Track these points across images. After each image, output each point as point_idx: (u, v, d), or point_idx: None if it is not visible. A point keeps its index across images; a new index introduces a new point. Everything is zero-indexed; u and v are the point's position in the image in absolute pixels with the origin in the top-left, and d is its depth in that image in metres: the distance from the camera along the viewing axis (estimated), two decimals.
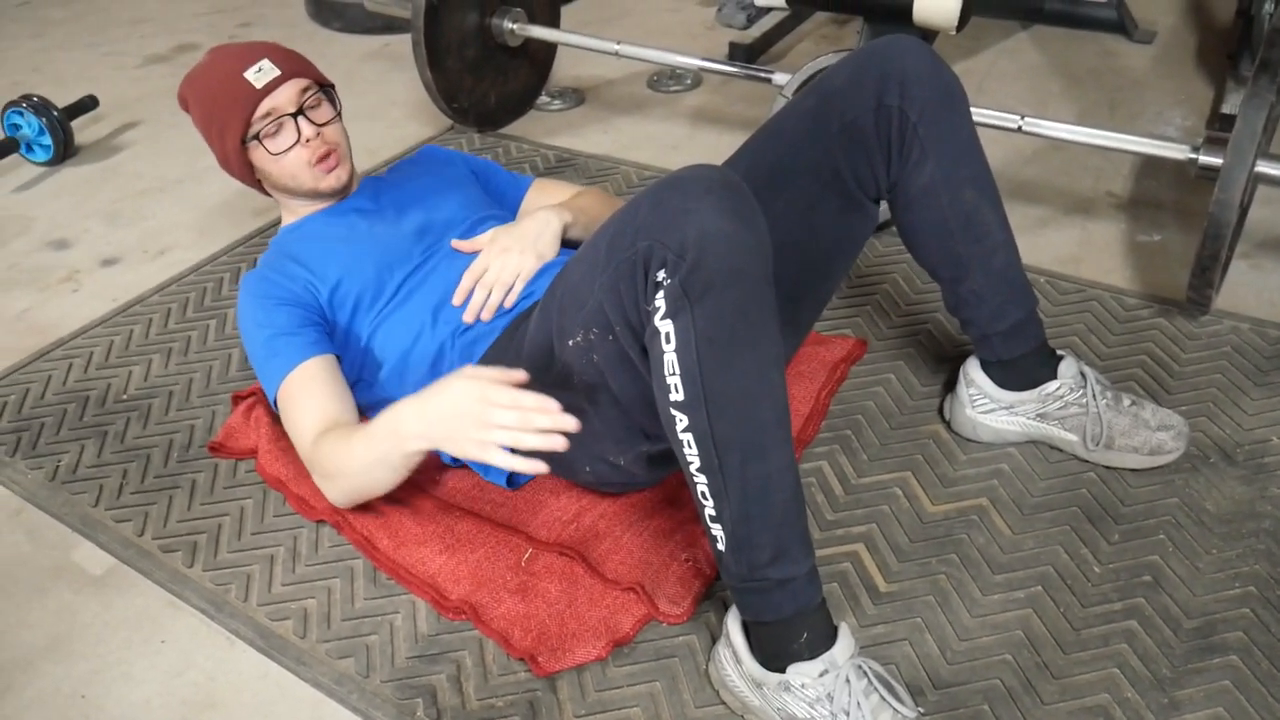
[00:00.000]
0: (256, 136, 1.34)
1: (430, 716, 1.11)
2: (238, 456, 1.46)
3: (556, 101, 2.45)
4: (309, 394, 1.26)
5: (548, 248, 1.35)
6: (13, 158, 2.32)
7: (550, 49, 2.41)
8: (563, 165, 2.15)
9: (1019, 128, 1.70)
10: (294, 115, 1.34)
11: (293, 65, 1.36)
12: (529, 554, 1.26)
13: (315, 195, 1.41)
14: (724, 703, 1.09)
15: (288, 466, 1.38)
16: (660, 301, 0.94)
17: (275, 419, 1.39)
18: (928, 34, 1.70)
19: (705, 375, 0.93)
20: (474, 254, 1.36)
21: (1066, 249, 1.80)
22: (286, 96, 1.34)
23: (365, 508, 1.32)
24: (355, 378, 1.36)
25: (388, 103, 2.52)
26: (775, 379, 0.96)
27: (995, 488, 1.32)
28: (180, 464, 1.46)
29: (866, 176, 1.24)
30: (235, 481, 1.42)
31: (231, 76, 1.33)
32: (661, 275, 0.94)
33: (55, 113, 2.29)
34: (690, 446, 0.97)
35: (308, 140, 1.35)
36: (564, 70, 2.58)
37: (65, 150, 2.33)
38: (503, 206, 1.54)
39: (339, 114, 1.41)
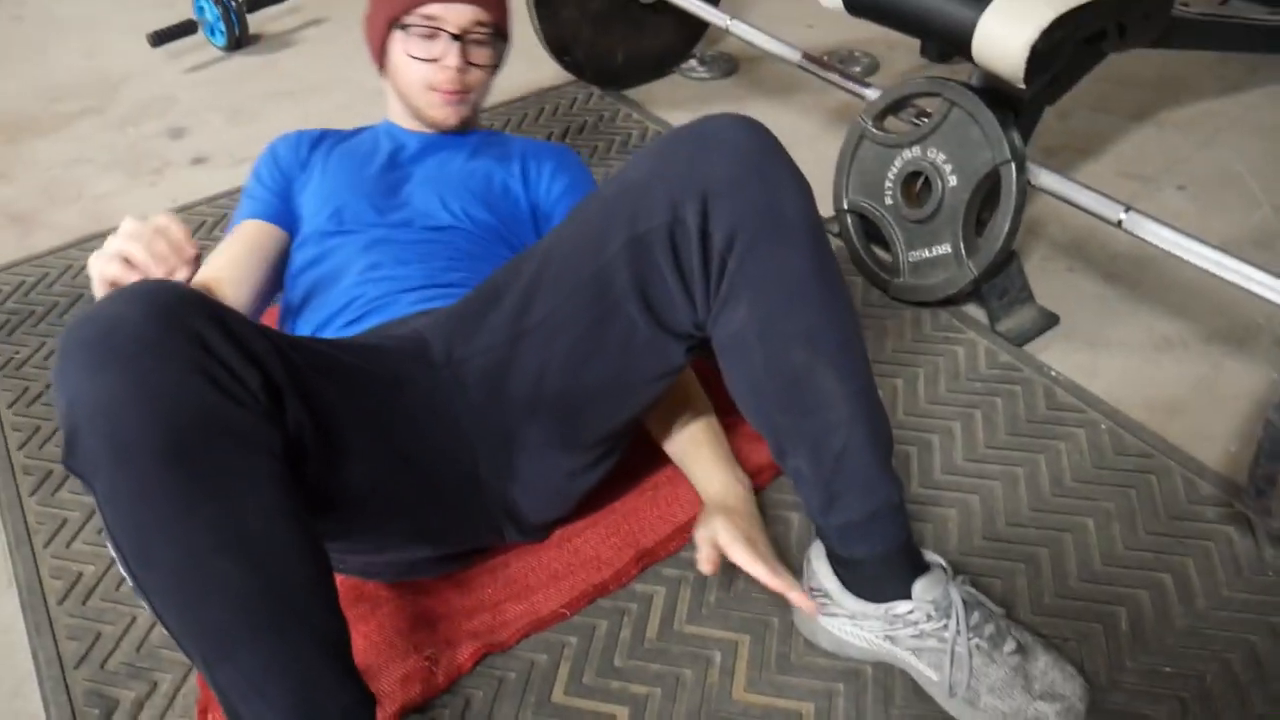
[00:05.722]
0: (405, 27, 1.25)
1: None
2: None
3: (703, 69, 2.20)
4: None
5: None
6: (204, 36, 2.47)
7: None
8: None
9: (1119, 222, 1.26)
10: (456, 38, 1.25)
11: None
12: None
13: (419, 118, 1.33)
14: None
15: None
16: None
17: None
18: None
19: (134, 568, 0.75)
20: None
21: (1172, 389, 1.35)
22: (459, 15, 1.25)
23: None
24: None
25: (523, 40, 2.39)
26: (222, 566, 0.74)
27: (833, 694, 1.02)
28: None
29: (664, 306, 0.92)
30: None
31: None
32: None
33: (234, 2, 2.39)
34: None
35: (448, 66, 1.26)
36: (724, 34, 2.30)
37: (239, 39, 2.44)
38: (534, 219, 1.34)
39: (497, 68, 1.34)
